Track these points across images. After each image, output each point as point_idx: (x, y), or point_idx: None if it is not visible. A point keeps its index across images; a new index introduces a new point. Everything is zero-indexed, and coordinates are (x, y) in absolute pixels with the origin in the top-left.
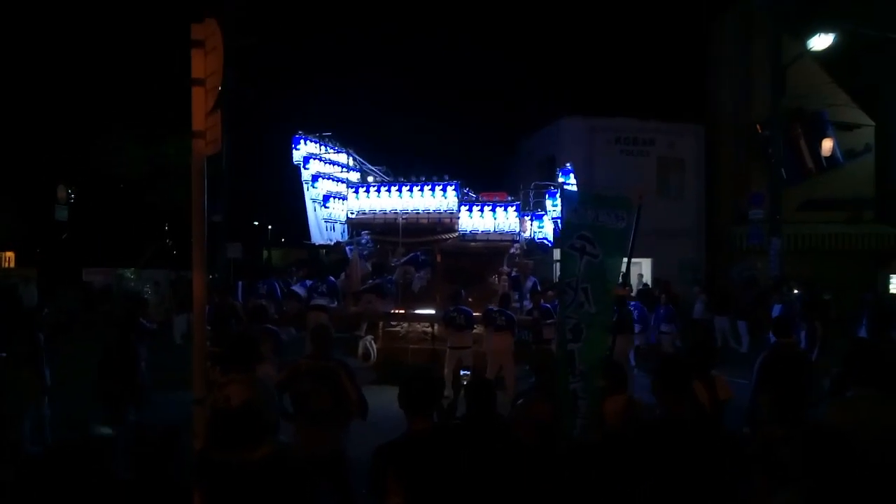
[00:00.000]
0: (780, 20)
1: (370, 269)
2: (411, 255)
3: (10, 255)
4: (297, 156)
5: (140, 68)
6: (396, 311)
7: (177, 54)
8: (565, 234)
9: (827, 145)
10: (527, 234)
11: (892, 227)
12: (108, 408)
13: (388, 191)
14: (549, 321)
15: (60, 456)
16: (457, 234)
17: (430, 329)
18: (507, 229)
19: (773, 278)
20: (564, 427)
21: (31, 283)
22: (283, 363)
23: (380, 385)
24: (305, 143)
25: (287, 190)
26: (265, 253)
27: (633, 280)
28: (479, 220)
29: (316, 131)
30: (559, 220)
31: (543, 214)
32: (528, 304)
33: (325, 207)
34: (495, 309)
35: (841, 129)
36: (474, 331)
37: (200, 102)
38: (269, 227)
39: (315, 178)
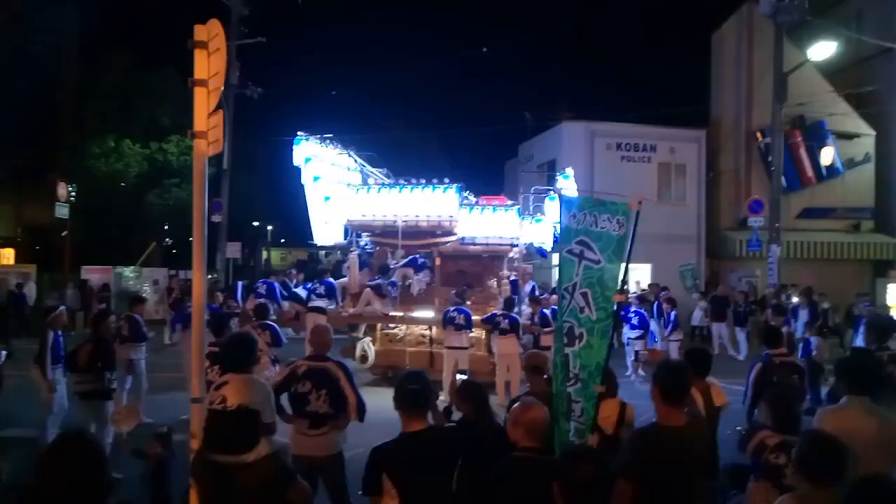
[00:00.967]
0: (782, 28)
1: (370, 271)
2: (410, 257)
3: (9, 252)
4: (298, 156)
5: (143, 67)
6: (394, 314)
7: (179, 55)
8: (563, 239)
9: (827, 154)
10: (526, 239)
11: (890, 237)
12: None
13: (389, 191)
14: (547, 329)
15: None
16: (456, 237)
17: (428, 332)
18: (506, 234)
19: (771, 286)
20: (560, 431)
21: (29, 280)
22: (279, 356)
23: (377, 387)
24: (307, 144)
25: (287, 190)
26: (265, 253)
27: (632, 286)
28: (479, 224)
29: (317, 132)
30: (559, 225)
31: (543, 219)
32: (526, 308)
33: (326, 208)
34: (499, 313)
35: (841, 138)
36: (472, 333)
37: (203, 103)
38: (269, 227)
39: (316, 178)
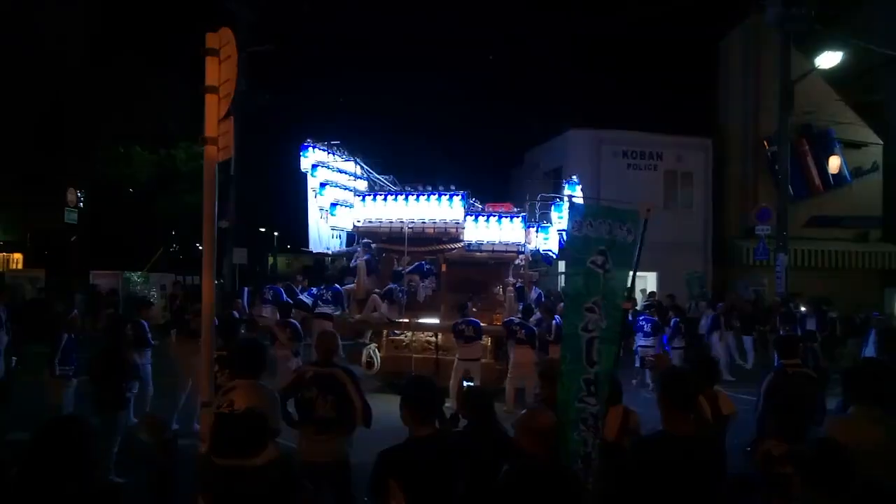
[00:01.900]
0: (789, 37)
1: (378, 277)
2: (416, 264)
3: (18, 256)
4: (306, 163)
5: (152, 73)
6: (401, 320)
7: (189, 61)
8: (583, 249)
9: (834, 163)
10: (532, 246)
11: None
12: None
13: (395, 200)
14: (552, 338)
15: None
16: (462, 244)
17: (433, 339)
18: (512, 240)
19: (779, 295)
20: (568, 439)
21: (38, 284)
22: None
23: (382, 393)
24: (314, 151)
25: (293, 197)
26: (270, 259)
27: (637, 294)
28: (485, 231)
29: (324, 139)
30: (565, 232)
31: (549, 226)
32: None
33: (333, 215)
34: (516, 322)
35: (849, 146)
36: (482, 342)
37: (213, 109)
38: (275, 233)
39: (323, 185)
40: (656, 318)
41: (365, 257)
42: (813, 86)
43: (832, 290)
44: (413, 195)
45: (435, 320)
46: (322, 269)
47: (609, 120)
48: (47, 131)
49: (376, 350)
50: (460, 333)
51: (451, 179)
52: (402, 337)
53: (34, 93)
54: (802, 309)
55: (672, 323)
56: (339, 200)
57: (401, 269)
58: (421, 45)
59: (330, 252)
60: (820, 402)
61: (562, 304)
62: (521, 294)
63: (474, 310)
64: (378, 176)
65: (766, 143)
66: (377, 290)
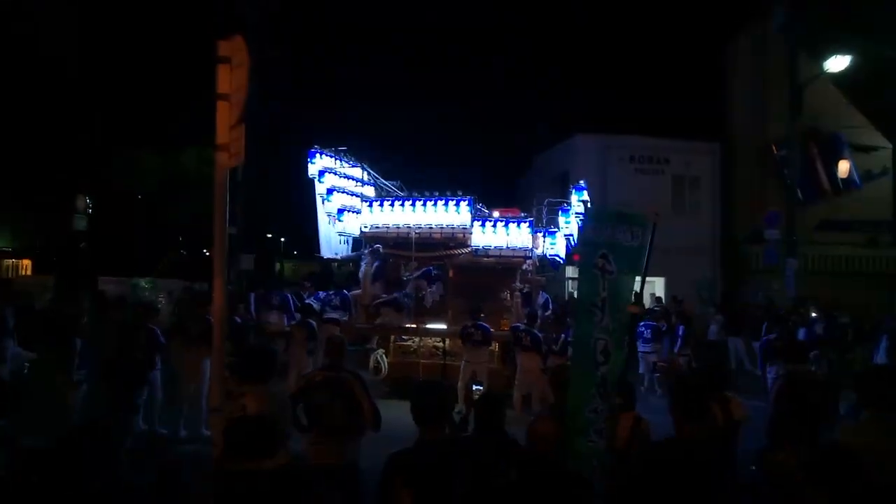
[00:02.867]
0: (797, 41)
1: (384, 283)
2: (424, 269)
3: (27, 262)
4: (313, 169)
5: (161, 80)
6: (408, 326)
7: (199, 67)
8: (588, 252)
9: (843, 167)
10: (539, 251)
11: None
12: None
13: (402, 205)
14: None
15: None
16: (469, 249)
17: (441, 344)
18: (519, 245)
19: (790, 300)
20: (576, 445)
21: (47, 290)
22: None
23: (390, 399)
24: (321, 157)
25: (300, 203)
26: (277, 265)
27: (647, 299)
28: (492, 236)
29: (331, 145)
30: (572, 238)
31: (556, 231)
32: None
33: (340, 221)
34: (522, 328)
35: (858, 151)
36: (490, 347)
37: (225, 116)
38: (283, 239)
39: (330, 191)
40: (655, 324)
41: (376, 263)
42: (821, 90)
43: (842, 294)
44: (420, 200)
45: (442, 325)
46: (329, 274)
47: (617, 125)
48: (56, 137)
49: (384, 355)
50: (468, 337)
51: (458, 184)
52: (409, 342)
53: (43, 99)
54: (813, 315)
55: (679, 331)
56: (347, 206)
57: (407, 275)
58: (429, 52)
59: (338, 257)
60: (832, 406)
61: (569, 318)
62: (528, 299)
63: (481, 314)
64: (385, 182)
65: (774, 148)
66: (383, 296)
